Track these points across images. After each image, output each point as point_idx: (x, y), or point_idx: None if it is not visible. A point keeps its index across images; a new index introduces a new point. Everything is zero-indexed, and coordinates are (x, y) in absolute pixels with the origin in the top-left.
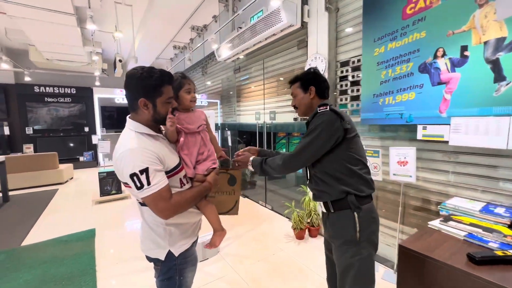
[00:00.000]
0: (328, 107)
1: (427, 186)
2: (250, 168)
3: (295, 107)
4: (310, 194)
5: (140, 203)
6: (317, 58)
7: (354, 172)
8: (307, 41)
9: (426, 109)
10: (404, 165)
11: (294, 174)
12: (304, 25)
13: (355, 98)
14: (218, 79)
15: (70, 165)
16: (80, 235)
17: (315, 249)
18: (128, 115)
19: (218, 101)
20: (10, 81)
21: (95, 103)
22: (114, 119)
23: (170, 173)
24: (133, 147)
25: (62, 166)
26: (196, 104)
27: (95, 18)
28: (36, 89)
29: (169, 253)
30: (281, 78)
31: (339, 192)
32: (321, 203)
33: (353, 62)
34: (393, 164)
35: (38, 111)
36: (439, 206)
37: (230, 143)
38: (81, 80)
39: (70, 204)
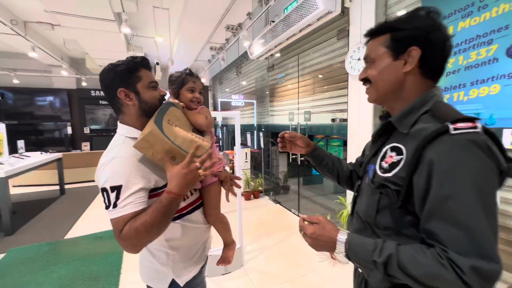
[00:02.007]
0: (478, 124)
1: None
2: (338, 254)
3: (365, 81)
4: (349, 206)
5: None
6: (361, 48)
7: None
8: (348, 30)
9: None
10: None
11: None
12: (345, 11)
13: None
14: (252, 78)
15: None
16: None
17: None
18: (119, 120)
19: (255, 102)
20: (73, 86)
21: None
22: None
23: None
24: (116, 156)
25: None
26: (234, 104)
27: (136, 24)
28: (93, 93)
29: (173, 283)
30: (320, 76)
31: None
32: None
33: None
34: None
35: (94, 113)
36: None
37: (262, 145)
38: None
39: None
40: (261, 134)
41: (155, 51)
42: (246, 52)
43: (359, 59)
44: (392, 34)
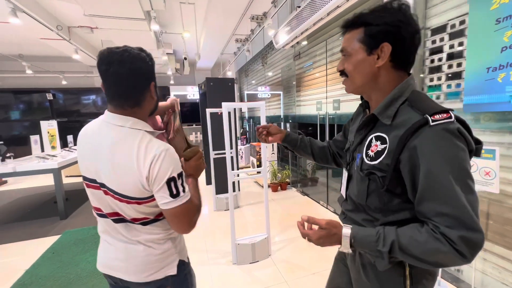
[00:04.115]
0: (451, 114)
1: None
2: (346, 250)
3: (343, 73)
4: (342, 190)
5: (134, 221)
6: None
7: None
8: None
9: None
10: None
11: None
12: None
13: (454, 76)
14: (278, 68)
15: None
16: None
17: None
18: (115, 113)
19: (281, 93)
20: None
21: None
22: (186, 114)
23: None
24: (167, 147)
25: None
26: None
27: (164, 21)
28: None
29: (180, 263)
30: None
31: None
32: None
33: (452, 26)
34: None
35: None
36: None
37: None
38: (160, 80)
39: None
40: (287, 125)
41: (183, 47)
42: (271, 42)
43: None
44: (365, 29)
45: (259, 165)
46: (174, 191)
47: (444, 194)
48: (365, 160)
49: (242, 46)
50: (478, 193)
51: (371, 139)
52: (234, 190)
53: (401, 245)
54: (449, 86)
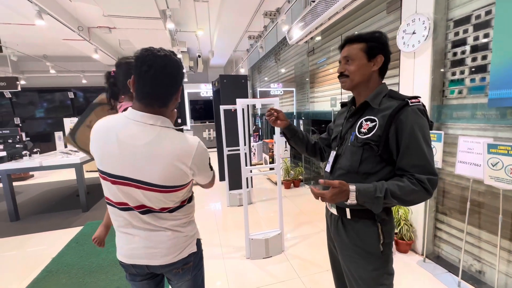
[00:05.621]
0: (420, 99)
1: None
2: (352, 201)
3: (343, 74)
4: (328, 167)
5: (162, 210)
6: (416, 20)
7: None
8: (401, 0)
9: None
10: None
11: None
12: None
13: (479, 69)
14: (291, 65)
15: None
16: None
17: (404, 268)
18: (144, 112)
19: (294, 89)
20: None
21: (185, 97)
22: (199, 111)
23: None
24: (197, 138)
25: None
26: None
27: (179, 20)
28: None
29: (198, 241)
30: None
31: None
32: (334, 204)
33: (477, 17)
34: None
35: None
36: None
37: None
38: None
39: None
40: (301, 122)
41: (197, 45)
42: (284, 38)
43: (414, 33)
44: (367, 43)
45: (272, 162)
46: (209, 168)
47: (417, 151)
48: (359, 135)
49: (255, 43)
50: (503, 191)
51: (361, 122)
52: (247, 186)
53: (391, 191)
54: (472, 80)
